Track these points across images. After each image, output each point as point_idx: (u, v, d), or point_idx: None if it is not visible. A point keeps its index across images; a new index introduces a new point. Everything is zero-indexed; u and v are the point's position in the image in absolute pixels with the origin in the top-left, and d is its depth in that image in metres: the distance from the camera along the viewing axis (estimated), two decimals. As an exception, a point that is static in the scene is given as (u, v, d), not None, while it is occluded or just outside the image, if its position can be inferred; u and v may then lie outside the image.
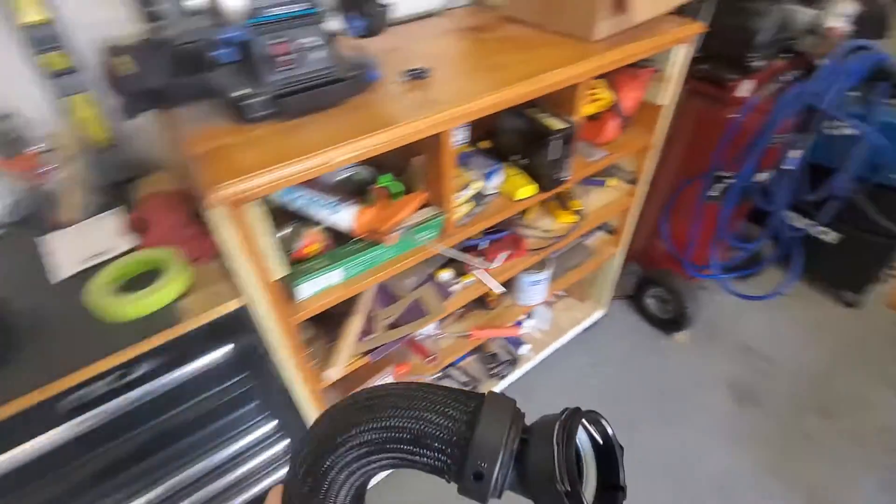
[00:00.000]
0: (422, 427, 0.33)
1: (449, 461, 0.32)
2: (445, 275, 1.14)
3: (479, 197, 1.01)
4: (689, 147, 1.61)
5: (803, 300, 2.03)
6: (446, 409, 0.33)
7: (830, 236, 1.87)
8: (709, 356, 1.84)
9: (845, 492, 1.45)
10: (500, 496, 0.32)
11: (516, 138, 1.11)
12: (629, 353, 1.88)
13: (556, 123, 1.02)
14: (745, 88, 1.37)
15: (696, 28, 1.12)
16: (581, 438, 0.33)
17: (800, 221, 1.82)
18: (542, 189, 1.09)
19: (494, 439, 0.31)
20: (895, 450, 1.54)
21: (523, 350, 1.63)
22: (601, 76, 1.14)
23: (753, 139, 1.38)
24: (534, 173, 1.09)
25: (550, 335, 1.75)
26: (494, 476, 0.30)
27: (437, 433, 0.32)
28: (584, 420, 0.32)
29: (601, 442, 0.33)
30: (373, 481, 0.40)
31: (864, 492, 1.45)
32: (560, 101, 1.04)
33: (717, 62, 1.40)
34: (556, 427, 0.31)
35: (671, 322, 1.86)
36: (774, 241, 1.70)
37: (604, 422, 0.33)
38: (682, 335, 1.87)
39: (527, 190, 1.08)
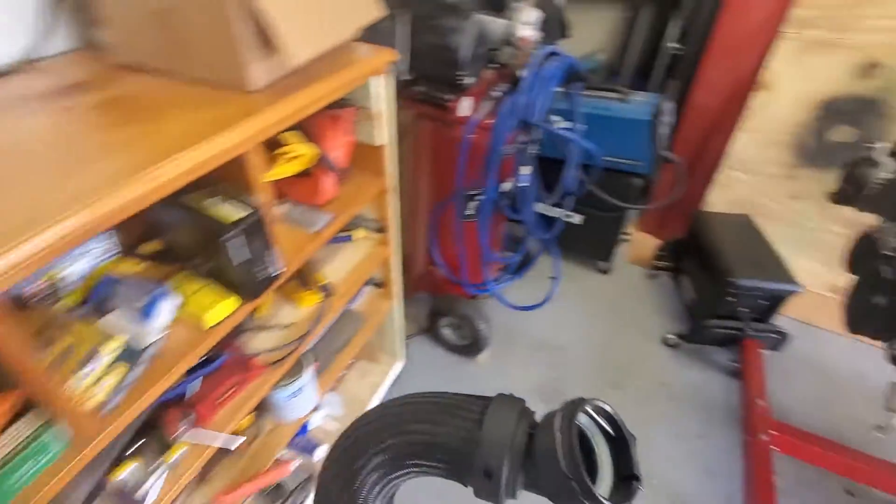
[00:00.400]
0: (437, 430, 0.36)
1: (460, 461, 0.35)
2: (129, 471, 0.73)
3: (131, 354, 0.65)
4: (435, 171, 1.50)
5: (571, 280, 2.19)
6: (459, 412, 0.37)
7: (576, 219, 2.05)
8: (512, 366, 1.82)
9: (651, 453, 1.55)
10: (514, 495, 0.34)
11: (187, 237, 0.77)
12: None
13: (231, 213, 0.72)
14: (464, 107, 1.29)
15: (387, 55, 0.94)
16: (591, 429, 0.35)
17: (551, 211, 1.92)
18: (246, 299, 0.78)
19: (500, 436, 0.33)
20: (675, 399, 1.73)
21: (319, 454, 1.32)
22: (291, 128, 0.88)
23: (486, 155, 1.32)
24: (226, 281, 0.77)
25: (349, 415, 1.48)
26: (503, 472, 0.32)
27: (451, 433, 0.35)
28: (588, 408, 0.34)
29: (613, 434, 0.35)
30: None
31: (662, 446, 1.58)
32: (230, 177, 0.74)
33: (430, 84, 1.28)
34: (557, 416, 0.33)
35: (471, 346, 1.78)
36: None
37: (607, 408, 0.35)
38: (484, 355, 1.80)
39: (221, 308, 0.75)
